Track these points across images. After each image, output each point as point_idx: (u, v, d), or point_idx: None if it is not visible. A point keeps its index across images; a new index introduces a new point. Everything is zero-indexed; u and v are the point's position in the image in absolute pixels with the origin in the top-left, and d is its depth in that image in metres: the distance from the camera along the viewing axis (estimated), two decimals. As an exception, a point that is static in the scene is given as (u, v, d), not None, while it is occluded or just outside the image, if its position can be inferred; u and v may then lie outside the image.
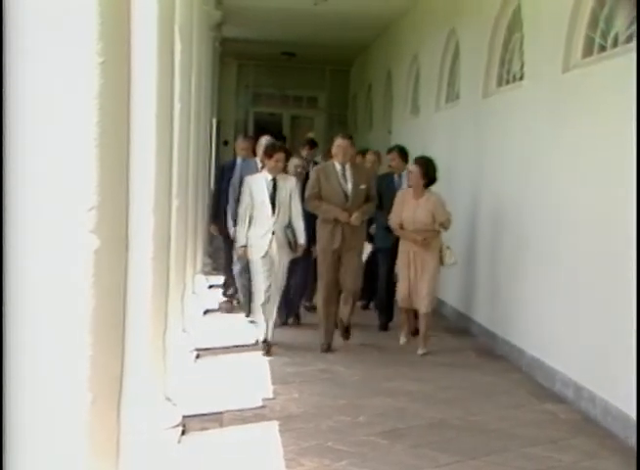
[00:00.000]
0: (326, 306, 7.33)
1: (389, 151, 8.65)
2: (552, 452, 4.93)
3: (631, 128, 5.24)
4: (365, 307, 9.21)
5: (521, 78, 7.68)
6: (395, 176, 8.34)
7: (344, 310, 7.44)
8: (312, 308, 8.61)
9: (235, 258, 8.08)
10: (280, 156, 7.06)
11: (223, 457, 4.62)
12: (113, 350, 2.75)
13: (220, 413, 5.32)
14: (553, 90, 6.64)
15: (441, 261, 7.41)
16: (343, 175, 7.25)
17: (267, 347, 7.10)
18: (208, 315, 8.56)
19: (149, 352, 4.48)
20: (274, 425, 5.16)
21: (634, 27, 5.59)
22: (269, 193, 6.98)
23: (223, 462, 4.55)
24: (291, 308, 8.26)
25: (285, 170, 7.56)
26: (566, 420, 5.61)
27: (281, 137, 11.73)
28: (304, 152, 9.71)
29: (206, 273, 9.92)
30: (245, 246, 7.11)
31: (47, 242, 2.49)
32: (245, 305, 8.18)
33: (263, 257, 7.02)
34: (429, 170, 7.42)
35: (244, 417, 5.30)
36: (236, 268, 8.23)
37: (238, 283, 8.33)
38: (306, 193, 7.34)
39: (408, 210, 7.33)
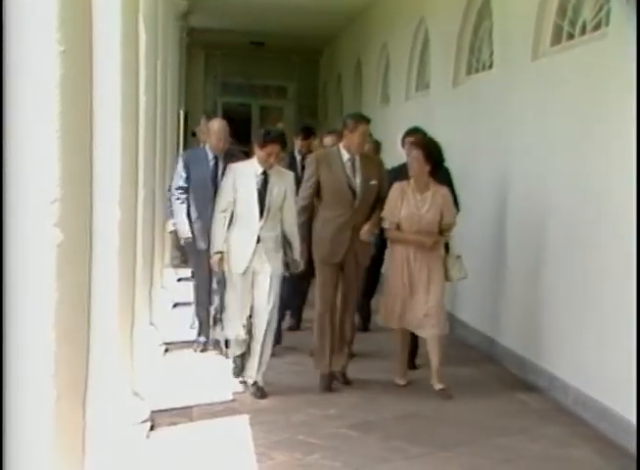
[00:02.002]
0: (323, 330, 5.91)
1: (410, 133, 6.59)
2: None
3: (599, 116, 5.30)
4: (364, 328, 7.63)
5: (490, 67, 7.73)
6: None
7: (339, 359, 5.99)
8: (295, 328, 7.61)
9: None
10: (274, 148, 5.51)
11: (193, 452, 4.60)
12: (77, 345, 2.73)
13: (190, 408, 5.30)
14: (522, 78, 6.68)
15: (446, 276, 5.91)
16: (352, 166, 5.82)
17: (259, 392, 5.62)
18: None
19: (116, 347, 4.45)
20: (244, 419, 5.16)
21: (601, 15, 5.65)
22: (258, 189, 5.52)
23: (193, 457, 4.54)
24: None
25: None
26: (537, 409, 5.68)
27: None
28: (298, 143, 7.83)
29: (175, 266, 9.87)
30: (221, 252, 5.62)
31: (9, 235, 2.46)
32: (237, 360, 5.94)
33: (243, 273, 5.56)
34: (433, 151, 5.87)
35: (214, 411, 5.29)
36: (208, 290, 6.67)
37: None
38: (300, 193, 5.91)
39: (409, 207, 5.79)
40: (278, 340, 6.45)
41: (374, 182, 5.85)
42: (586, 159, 5.53)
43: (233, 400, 5.53)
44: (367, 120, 5.94)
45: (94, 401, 3.38)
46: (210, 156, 6.58)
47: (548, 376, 5.97)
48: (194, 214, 6.56)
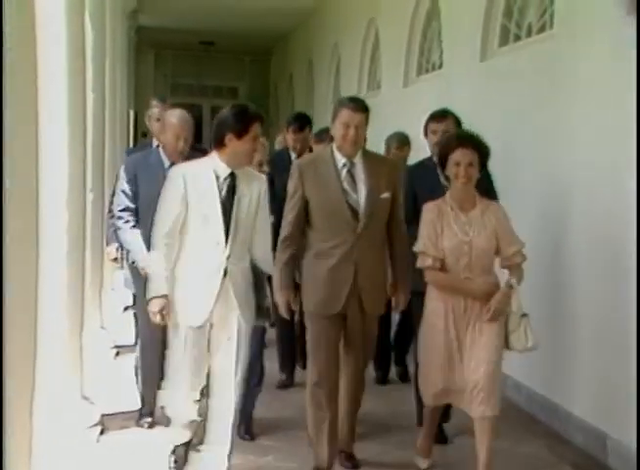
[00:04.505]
0: (319, 409, 4.24)
1: (437, 117, 5.02)
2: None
3: (548, 116, 5.40)
4: (382, 380, 6.14)
5: (440, 67, 7.81)
6: None
7: (344, 438, 4.44)
8: (288, 383, 6.01)
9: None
10: (256, 130, 3.87)
11: (143, 456, 4.57)
12: (24, 349, 2.70)
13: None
14: (471, 78, 6.77)
15: (507, 344, 4.15)
16: (350, 174, 4.12)
17: None
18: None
19: (64, 351, 4.40)
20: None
21: (546, 18, 5.77)
22: (221, 200, 3.88)
23: (143, 461, 4.50)
24: (240, 415, 4.44)
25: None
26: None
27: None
28: (290, 138, 6.08)
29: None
30: (165, 296, 3.86)
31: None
32: (178, 450, 4.26)
33: (200, 326, 3.92)
34: (486, 151, 4.23)
35: (164, 415, 5.25)
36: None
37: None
38: (285, 212, 4.22)
39: (452, 234, 4.10)
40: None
41: (386, 195, 4.13)
42: (537, 158, 5.62)
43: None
44: (356, 107, 4.09)
45: (42, 406, 3.34)
46: (166, 162, 4.68)
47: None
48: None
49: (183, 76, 18.97)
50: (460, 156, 4.07)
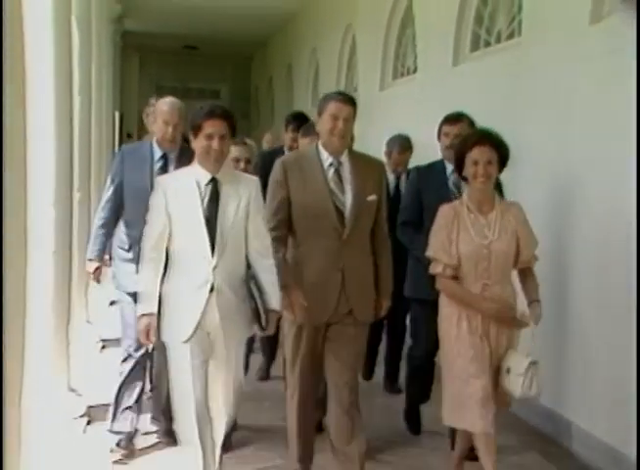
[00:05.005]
0: (302, 425, 3.90)
1: (450, 119, 4.65)
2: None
3: (516, 118, 5.44)
4: (391, 388, 5.80)
5: (414, 71, 7.84)
6: (450, 167, 4.36)
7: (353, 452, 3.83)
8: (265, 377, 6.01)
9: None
10: (210, 127, 3.50)
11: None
12: (13, 343, 2.69)
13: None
14: (444, 82, 6.81)
15: (506, 382, 3.71)
16: (337, 174, 3.77)
17: None
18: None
19: (52, 345, 4.39)
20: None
21: (514, 25, 5.82)
22: (204, 209, 3.52)
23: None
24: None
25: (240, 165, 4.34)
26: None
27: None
28: (287, 137, 5.70)
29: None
30: (151, 314, 3.51)
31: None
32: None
33: (186, 341, 3.51)
34: (507, 152, 3.84)
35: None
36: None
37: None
38: (270, 214, 3.77)
39: (470, 237, 3.74)
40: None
41: (372, 197, 3.79)
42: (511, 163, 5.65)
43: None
44: (344, 99, 3.78)
45: (31, 398, 3.32)
46: (157, 153, 4.37)
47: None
48: (126, 240, 4.39)
49: (167, 79, 18.90)
50: (478, 154, 3.71)
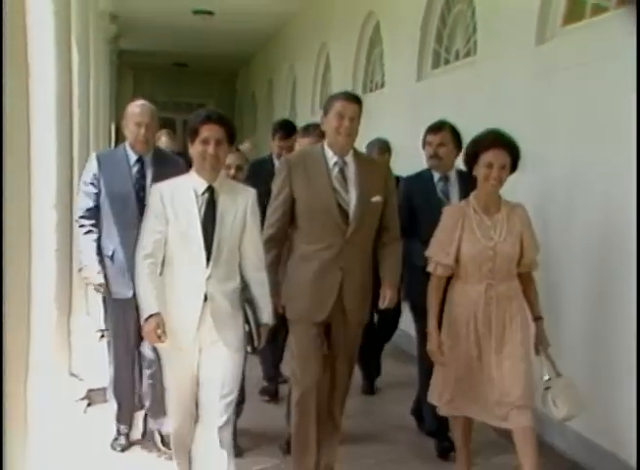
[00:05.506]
0: (306, 411, 3.56)
1: (433, 129, 4.33)
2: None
3: (474, 129, 5.50)
4: (369, 390, 5.38)
5: (382, 86, 7.91)
6: (437, 175, 4.25)
7: (328, 455, 3.73)
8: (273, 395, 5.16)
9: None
10: (206, 132, 3.18)
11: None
12: (21, 333, 2.73)
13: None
14: (409, 96, 6.88)
15: (543, 400, 3.50)
16: (341, 173, 3.52)
17: None
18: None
19: (54, 334, 4.40)
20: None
21: (470, 44, 5.91)
22: (201, 217, 3.20)
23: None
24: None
25: (236, 174, 3.90)
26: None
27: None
28: (275, 145, 5.17)
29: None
30: (157, 314, 3.12)
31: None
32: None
33: (179, 348, 3.21)
34: (518, 158, 3.52)
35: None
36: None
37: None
38: (267, 218, 3.57)
39: (474, 238, 3.47)
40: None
41: (377, 198, 3.51)
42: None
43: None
44: (350, 97, 3.55)
45: (36, 382, 3.34)
46: (133, 157, 4.02)
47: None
48: (109, 246, 4.01)
49: (159, 94, 18.79)
50: (493, 157, 3.39)
